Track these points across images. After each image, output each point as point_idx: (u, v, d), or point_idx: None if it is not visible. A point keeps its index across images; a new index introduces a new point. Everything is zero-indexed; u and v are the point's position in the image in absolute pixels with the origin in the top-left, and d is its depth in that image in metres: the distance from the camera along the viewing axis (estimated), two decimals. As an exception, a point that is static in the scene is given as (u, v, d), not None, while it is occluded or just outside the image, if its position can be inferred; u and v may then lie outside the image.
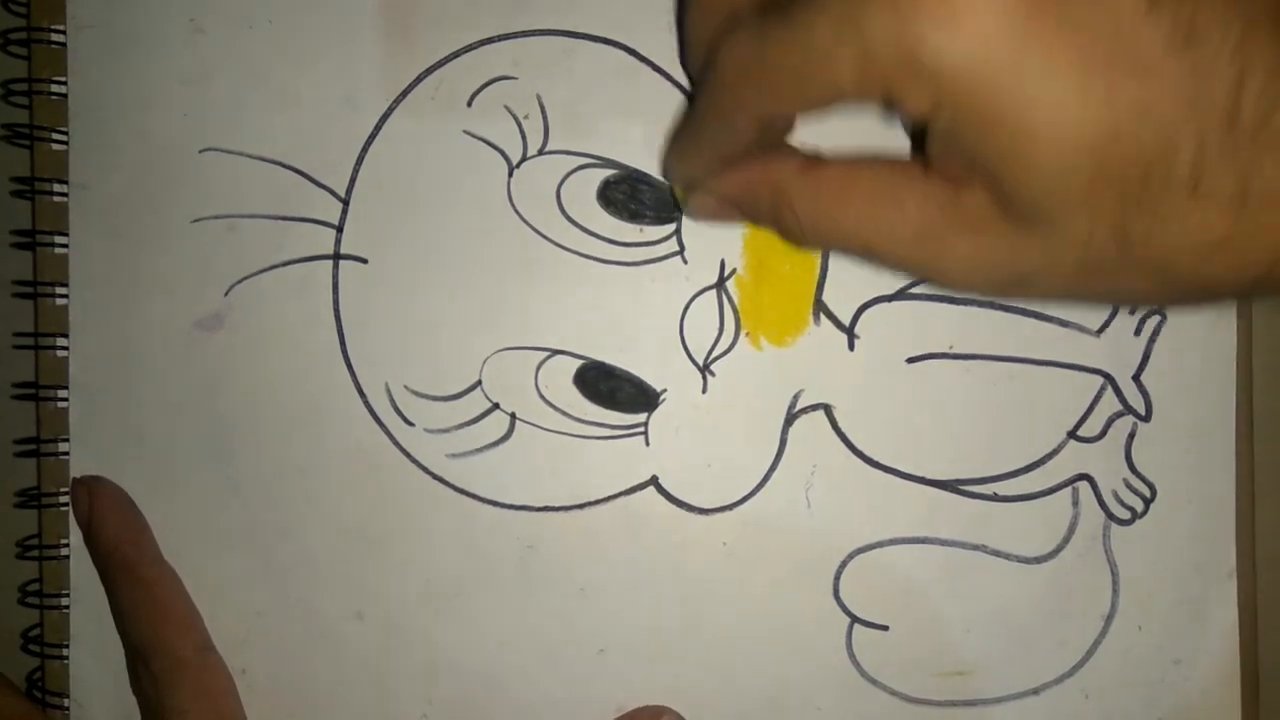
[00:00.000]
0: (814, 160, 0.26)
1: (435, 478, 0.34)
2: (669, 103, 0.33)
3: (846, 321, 0.33)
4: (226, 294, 0.34)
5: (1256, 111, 0.20)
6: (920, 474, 0.34)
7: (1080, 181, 0.21)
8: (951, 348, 0.33)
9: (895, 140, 0.30)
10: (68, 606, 0.34)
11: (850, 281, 0.33)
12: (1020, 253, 0.23)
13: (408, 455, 0.34)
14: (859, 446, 0.34)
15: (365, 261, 0.34)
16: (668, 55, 0.33)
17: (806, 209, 0.26)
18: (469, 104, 0.33)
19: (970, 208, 0.23)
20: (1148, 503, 0.34)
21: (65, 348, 0.34)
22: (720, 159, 0.28)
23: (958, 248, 0.24)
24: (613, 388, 0.33)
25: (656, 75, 0.33)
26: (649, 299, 0.33)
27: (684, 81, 0.33)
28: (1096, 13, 0.20)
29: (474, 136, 0.33)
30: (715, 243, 0.33)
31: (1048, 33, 0.20)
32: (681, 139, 0.30)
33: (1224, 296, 0.24)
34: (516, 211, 0.33)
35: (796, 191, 0.26)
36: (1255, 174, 0.20)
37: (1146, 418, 0.33)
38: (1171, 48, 0.20)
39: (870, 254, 0.26)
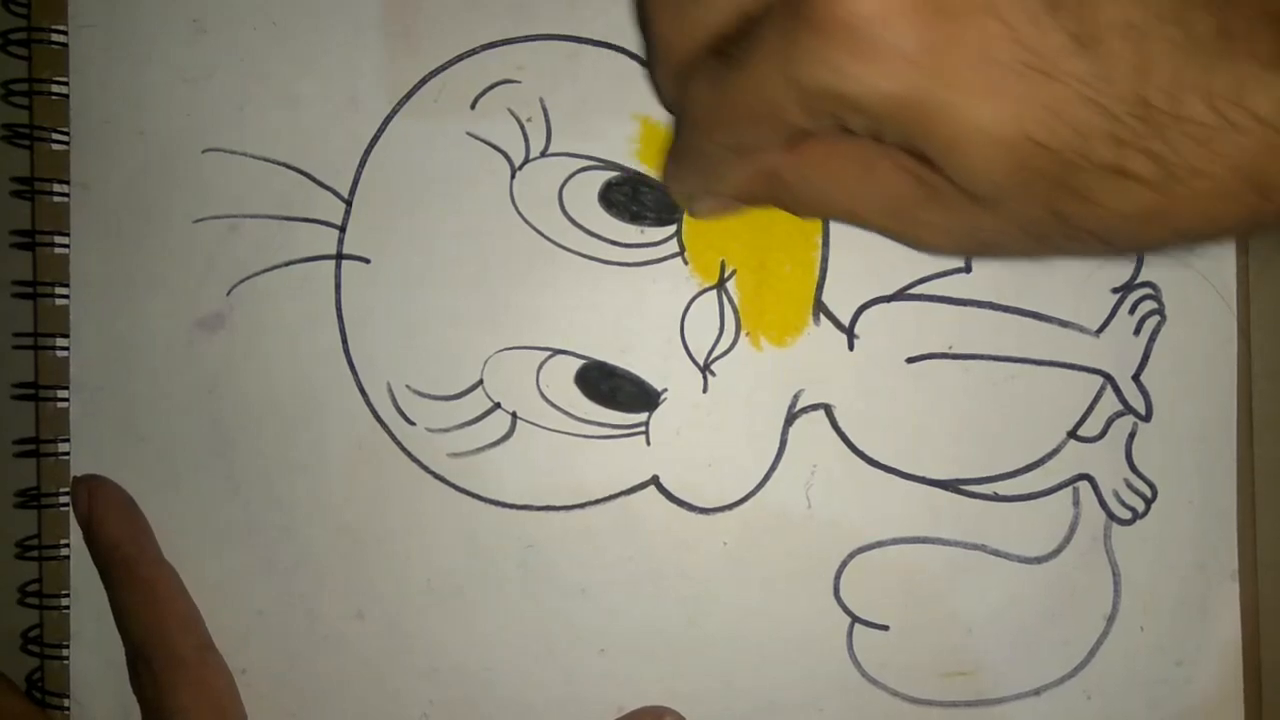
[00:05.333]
0: (798, 137, 0.27)
1: (436, 477, 0.34)
2: (669, 105, 0.33)
3: (846, 322, 0.33)
4: (228, 294, 0.34)
5: (1166, 98, 0.21)
6: (920, 474, 0.34)
7: (1006, 175, 0.23)
8: (951, 348, 0.33)
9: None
10: (68, 606, 0.34)
11: (850, 282, 0.33)
12: (977, 222, 0.25)
13: (409, 454, 0.34)
14: (859, 446, 0.34)
15: (368, 261, 0.34)
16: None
17: (796, 183, 0.27)
18: (472, 106, 0.33)
19: (933, 181, 0.25)
20: (1149, 503, 0.34)
21: (65, 348, 0.34)
22: (710, 177, 0.29)
23: (927, 215, 0.26)
24: (613, 387, 0.33)
25: (657, 78, 0.33)
26: (650, 299, 0.33)
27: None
28: (994, 30, 0.21)
29: (477, 138, 0.33)
30: (715, 243, 0.33)
31: (953, 58, 0.21)
32: (672, 166, 0.31)
33: (1172, 250, 0.26)
34: (519, 213, 0.33)
35: (786, 170, 0.27)
36: (1174, 152, 0.21)
37: (1146, 417, 0.34)
38: (1072, 50, 0.21)
39: (856, 220, 0.28)
